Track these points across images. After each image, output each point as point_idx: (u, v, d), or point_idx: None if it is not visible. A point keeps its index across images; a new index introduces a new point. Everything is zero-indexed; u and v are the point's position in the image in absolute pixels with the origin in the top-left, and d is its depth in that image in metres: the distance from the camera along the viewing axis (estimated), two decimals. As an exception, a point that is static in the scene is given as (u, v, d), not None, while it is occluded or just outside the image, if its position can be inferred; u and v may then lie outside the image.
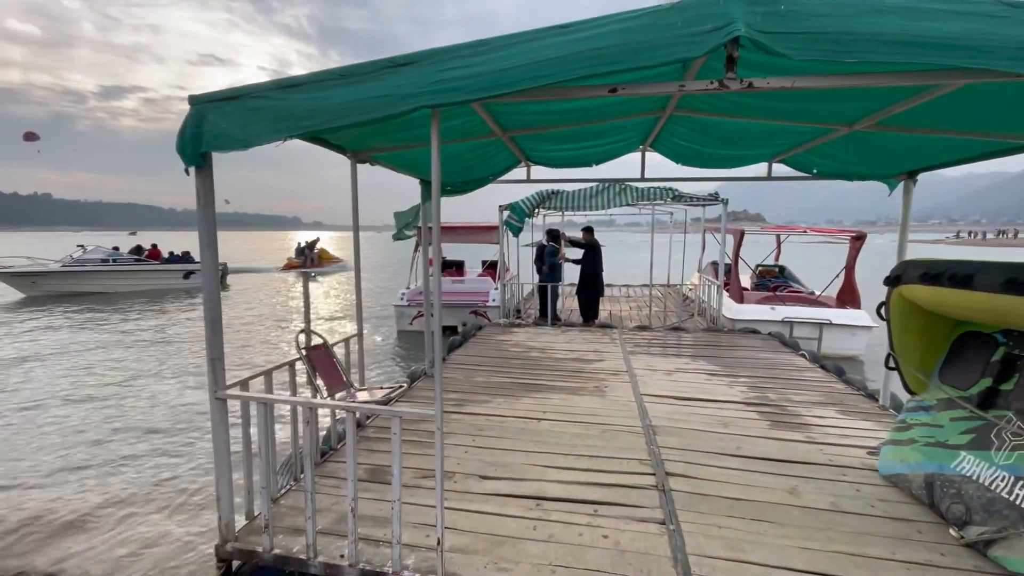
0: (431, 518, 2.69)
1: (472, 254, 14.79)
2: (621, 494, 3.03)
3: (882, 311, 3.45)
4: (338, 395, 3.46)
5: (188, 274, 19.29)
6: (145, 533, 3.85)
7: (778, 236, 11.27)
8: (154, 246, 20.60)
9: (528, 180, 5.12)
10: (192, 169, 2.12)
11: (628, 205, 8.24)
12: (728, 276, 10.07)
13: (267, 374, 2.91)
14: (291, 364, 3.03)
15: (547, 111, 3.02)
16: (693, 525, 2.71)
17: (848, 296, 8.38)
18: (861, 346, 8.10)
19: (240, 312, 14.55)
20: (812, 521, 2.77)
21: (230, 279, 23.39)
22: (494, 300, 9.56)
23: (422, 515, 2.78)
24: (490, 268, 12.56)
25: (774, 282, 10.73)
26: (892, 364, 3.48)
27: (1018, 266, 2.45)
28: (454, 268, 13.11)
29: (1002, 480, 2.54)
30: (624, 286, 14.99)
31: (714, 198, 8.08)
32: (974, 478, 2.68)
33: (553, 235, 9.37)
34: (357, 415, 3.79)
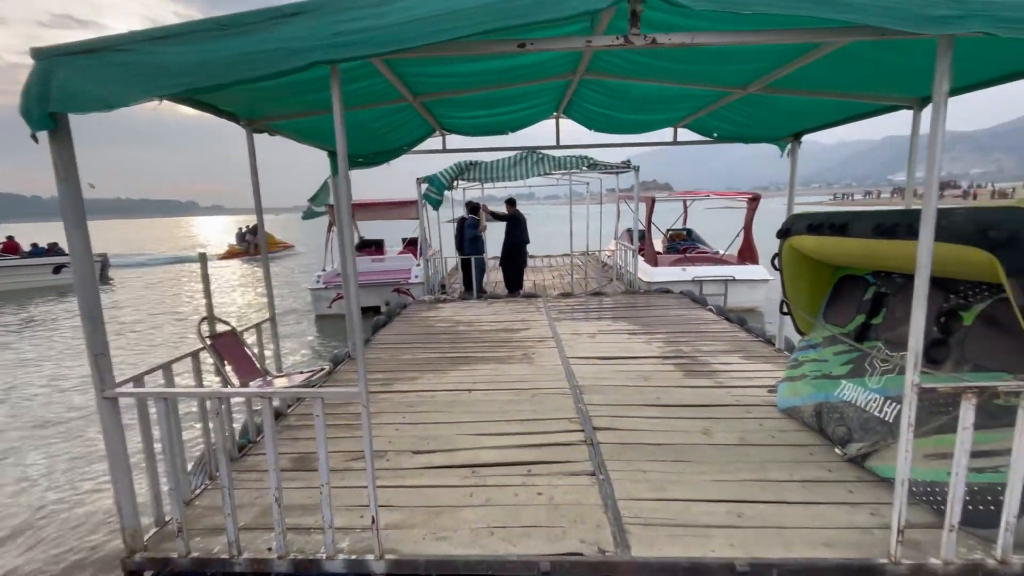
0: (364, 499, 2.62)
1: (393, 232, 14.34)
2: (553, 452, 3.12)
3: (775, 262, 3.78)
4: (253, 384, 3.23)
5: (58, 268, 16.66)
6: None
7: (685, 201, 11.98)
8: (10, 238, 17.45)
9: (444, 150, 4.98)
10: (45, 135, 1.81)
11: (546, 174, 8.32)
12: (642, 242, 10.59)
13: (165, 368, 2.63)
14: (194, 355, 2.77)
15: (457, 73, 2.92)
16: (620, 473, 2.86)
17: (747, 253, 9.15)
18: (760, 298, 8.91)
19: (137, 314, 13.12)
20: (723, 456, 3.03)
21: (116, 274, 20.91)
22: (417, 277, 9.35)
23: (355, 497, 2.70)
24: (411, 245, 12.25)
25: (683, 245, 11.44)
26: (785, 310, 3.84)
27: (883, 213, 2.77)
28: (373, 247, 12.65)
29: (874, 402, 2.92)
30: (546, 256, 15.33)
31: (626, 165, 8.39)
32: (853, 402, 3.06)
33: (472, 207, 9.28)
34: (276, 402, 3.58)
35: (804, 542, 2.25)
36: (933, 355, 2.66)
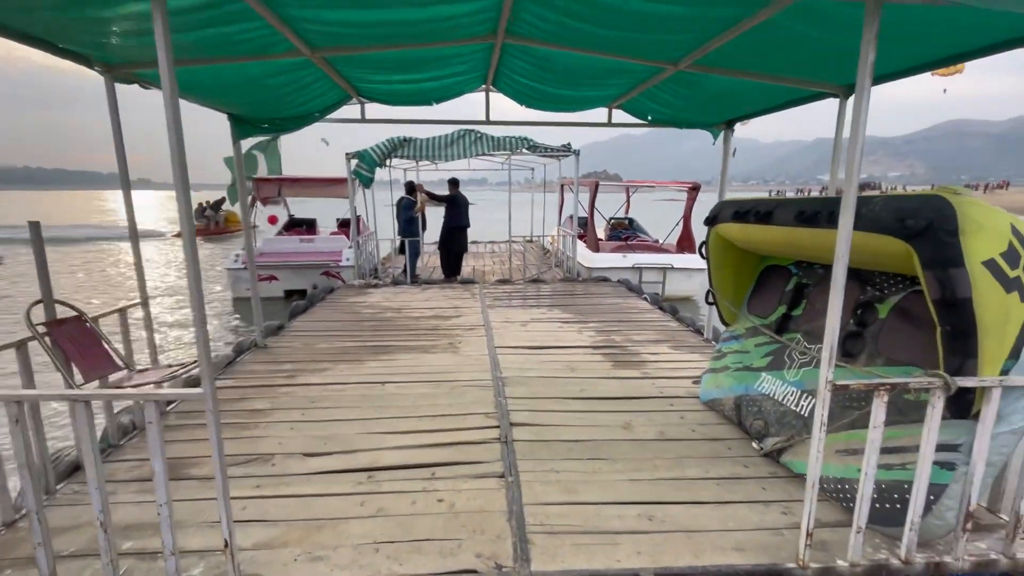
0: (240, 513, 2.26)
1: (329, 211, 13.52)
2: (462, 452, 2.87)
3: (703, 250, 3.67)
4: (113, 378, 2.76)
5: None
6: None
7: (627, 189, 11.97)
8: None
9: (363, 120, 4.55)
10: None
11: (483, 155, 7.98)
12: (584, 228, 10.51)
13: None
14: (19, 345, 2.27)
15: (353, 23, 2.53)
16: (531, 474, 2.65)
17: (686, 242, 9.23)
18: (696, 286, 9.03)
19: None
20: (641, 452, 2.89)
21: (12, 250, 18.67)
22: (348, 260, 8.79)
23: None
24: (345, 226, 11.59)
25: (624, 233, 11.47)
26: (711, 299, 3.75)
27: (805, 200, 2.67)
28: (304, 227, 11.86)
29: (791, 395, 2.85)
30: (489, 242, 15.02)
31: (566, 149, 8.18)
32: (771, 395, 2.98)
33: (409, 187, 8.82)
34: (118, 405, 3.12)
35: (714, 547, 2.12)
36: (848, 348, 2.59)
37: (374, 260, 10.10)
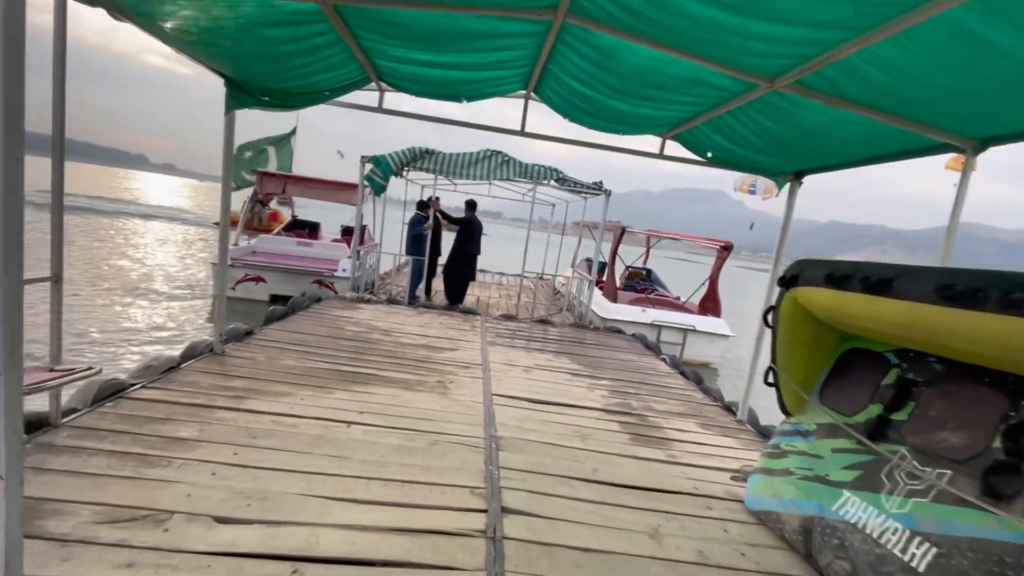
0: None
1: (337, 218, 12.96)
2: (432, 547, 2.07)
3: (768, 317, 2.95)
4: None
5: None
6: None
7: (648, 238, 11.37)
8: None
9: (380, 109, 3.93)
10: None
11: (508, 180, 7.40)
12: (602, 273, 9.85)
13: None
14: None
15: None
16: (525, 602, 1.85)
17: (711, 304, 8.52)
18: (717, 354, 8.27)
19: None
20: (678, 584, 2.08)
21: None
22: (344, 271, 8.10)
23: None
24: (349, 234, 11.00)
25: (642, 284, 10.79)
26: (771, 379, 3.00)
27: (951, 271, 1.96)
28: (306, 229, 11.27)
29: (894, 533, 2.06)
30: (498, 273, 14.38)
31: (598, 187, 7.59)
32: (860, 526, 2.19)
33: (422, 203, 8.22)
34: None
35: None
36: (995, 485, 1.84)
37: (373, 275, 9.44)
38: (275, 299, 8.23)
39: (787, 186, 4.10)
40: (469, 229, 7.98)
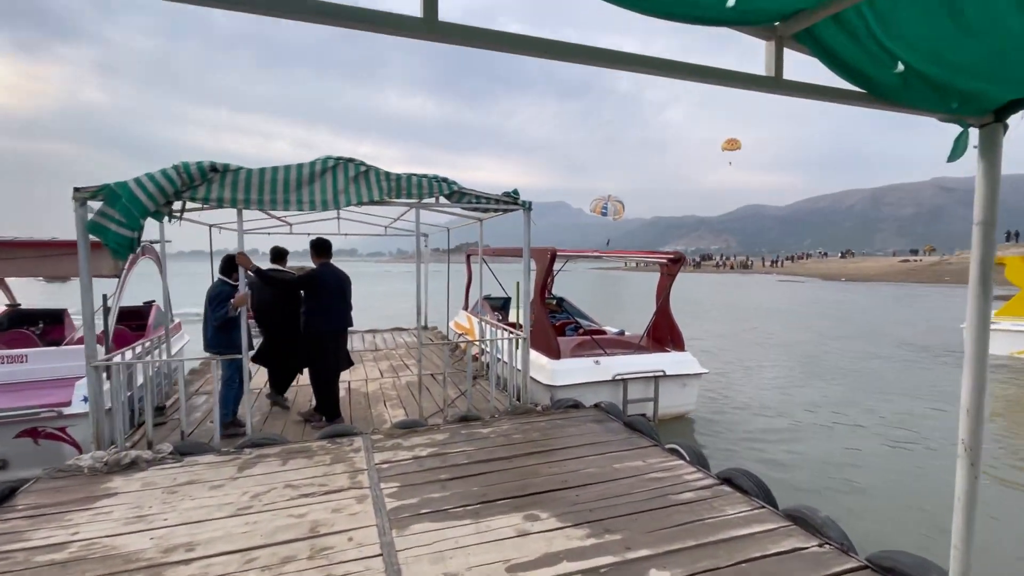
0: None
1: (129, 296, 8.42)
2: None
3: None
4: None
5: None
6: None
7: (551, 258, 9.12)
8: None
9: None
10: None
11: (372, 203, 4.49)
12: (503, 312, 7.29)
13: None
14: None
15: None
16: None
17: (668, 334, 6.43)
18: (692, 400, 6.18)
19: None
20: None
21: None
22: (84, 400, 4.33)
23: None
24: (135, 318, 6.98)
25: (559, 318, 8.50)
26: None
27: None
28: (41, 324, 6.90)
29: None
30: (370, 331, 10.95)
31: (513, 199, 5.06)
32: None
33: (227, 264, 4.86)
34: None
35: None
36: None
37: (163, 389, 5.70)
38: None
39: (975, 134, 1.95)
40: (321, 288, 4.85)
